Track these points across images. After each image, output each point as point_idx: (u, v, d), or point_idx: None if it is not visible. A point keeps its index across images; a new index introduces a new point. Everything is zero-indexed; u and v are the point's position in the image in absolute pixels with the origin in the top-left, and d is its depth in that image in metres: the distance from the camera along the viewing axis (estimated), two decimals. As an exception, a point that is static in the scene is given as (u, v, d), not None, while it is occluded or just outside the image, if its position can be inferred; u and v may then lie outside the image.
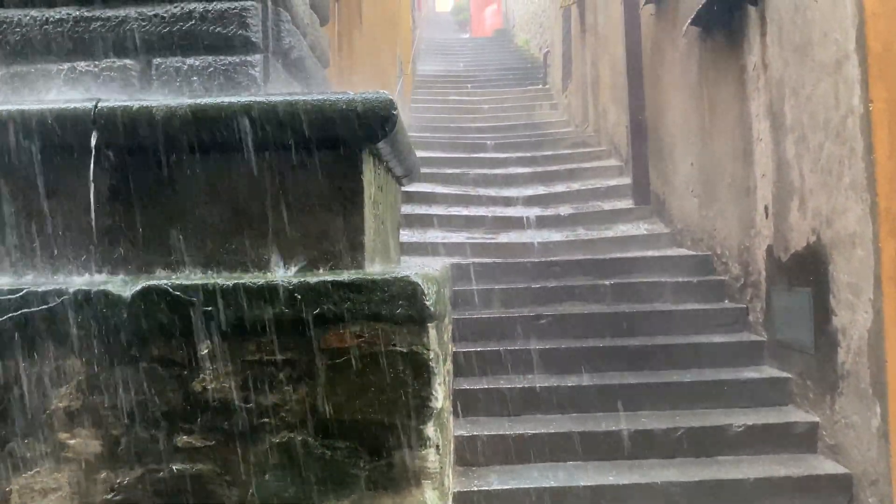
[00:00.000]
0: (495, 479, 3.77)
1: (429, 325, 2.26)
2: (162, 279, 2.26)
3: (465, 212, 7.31)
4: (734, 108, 5.15)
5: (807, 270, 4.13)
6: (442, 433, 2.48)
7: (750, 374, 4.52)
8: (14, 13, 2.83)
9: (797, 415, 4.16)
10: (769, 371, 4.55)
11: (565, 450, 3.99)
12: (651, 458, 3.97)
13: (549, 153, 9.16)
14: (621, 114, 7.90)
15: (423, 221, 6.87)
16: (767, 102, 4.60)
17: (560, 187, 8.01)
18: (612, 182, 7.87)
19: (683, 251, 6.11)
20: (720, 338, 4.86)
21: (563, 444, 4.00)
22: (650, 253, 6.12)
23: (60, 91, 2.78)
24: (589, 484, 3.70)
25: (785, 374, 4.41)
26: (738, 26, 5.03)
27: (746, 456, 3.98)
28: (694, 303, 5.26)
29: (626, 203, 7.34)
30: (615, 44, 7.98)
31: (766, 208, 4.67)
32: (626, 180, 7.60)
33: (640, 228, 6.82)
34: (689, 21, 5.56)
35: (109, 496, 2.21)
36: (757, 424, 4.06)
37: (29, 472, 2.22)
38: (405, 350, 2.24)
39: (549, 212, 7.33)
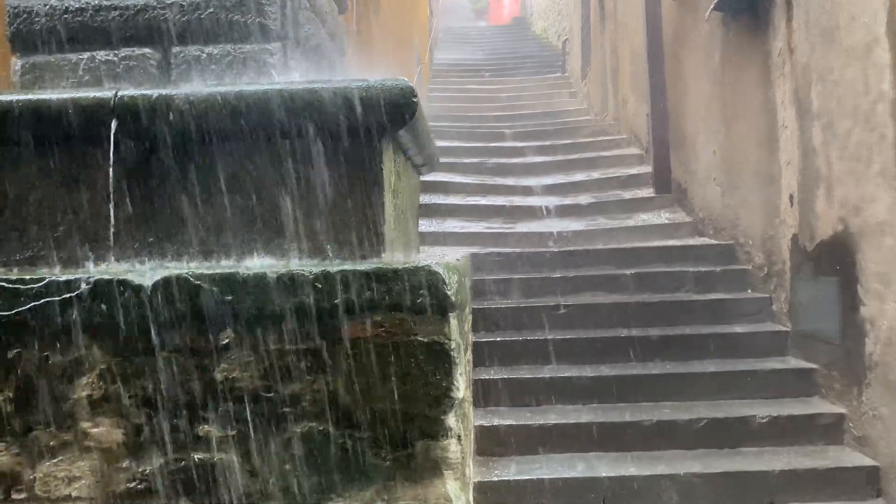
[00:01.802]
0: (516, 470, 3.75)
1: (450, 314, 2.24)
2: (183, 268, 2.26)
3: (483, 201, 7.27)
4: (758, 95, 5.06)
5: (833, 260, 4.06)
6: (463, 423, 2.47)
7: (774, 364, 4.45)
8: (35, 3, 2.83)
9: (823, 406, 4.09)
10: (794, 362, 4.48)
11: (586, 440, 3.96)
12: (673, 449, 3.93)
13: (568, 142, 9.08)
14: (641, 101, 7.81)
15: (441, 211, 6.85)
16: (793, 88, 4.51)
17: (579, 176, 7.94)
18: (633, 170, 7.79)
19: (706, 240, 6.03)
20: (743, 328, 4.79)
21: (583, 434, 3.97)
22: (672, 242, 6.05)
23: (81, 80, 2.79)
24: (610, 475, 3.67)
25: (810, 365, 4.34)
26: (762, 11, 4.93)
27: (770, 447, 3.92)
28: (716, 292, 5.19)
29: (646, 192, 7.25)
30: (635, 30, 7.87)
31: (791, 197, 4.59)
32: (647, 169, 7.51)
33: (662, 217, 6.74)
34: (711, 6, 5.46)
35: (132, 485, 2.21)
36: (781, 416, 4.00)
37: (52, 461, 2.23)
38: (426, 340, 2.22)
39: (569, 201, 7.27)
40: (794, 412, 4.03)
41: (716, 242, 5.82)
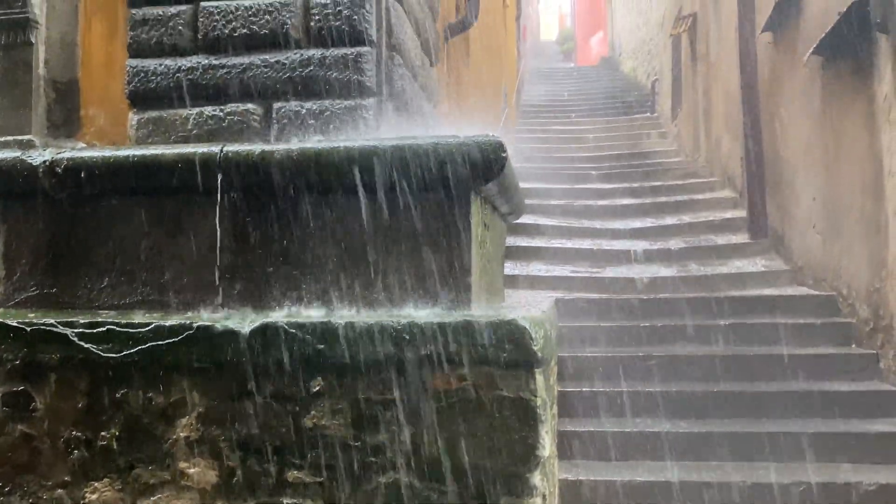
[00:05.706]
0: (600, 527, 3.65)
1: (536, 370, 2.23)
2: (278, 316, 2.34)
3: (568, 244, 7.19)
4: (862, 140, 4.84)
5: (948, 317, 3.79)
6: (548, 481, 2.43)
7: (882, 426, 4.16)
8: (151, 63, 3.05)
9: (938, 475, 3.79)
10: (904, 424, 4.18)
11: (675, 500, 3.80)
12: (769, 514, 3.72)
13: (658, 184, 8.90)
14: (735, 143, 7.60)
15: (526, 254, 6.82)
16: (901, 134, 4.29)
17: (670, 220, 7.76)
18: (727, 215, 7.55)
19: (805, 290, 5.75)
20: (847, 386, 4.51)
21: (672, 493, 3.82)
22: (768, 291, 5.80)
23: (190, 134, 2.97)
24: (701, 538, 3.51)
25: (923, 429, 4.04)
26: (866, 55, 4.74)
27: (878, 518, 3.66)
28: (817, 347, 4.93)
29: (741, 237, 7.01)
30: (729, 71, 7.71)
31: (899, 247, 4.34)
32: (742, 213, 7.27)
33: (757, 265, 6.48)
34: (811, 50, 5.30)
35: (224, 526, 2.28)
36: (891, 483, 3.72)
37: (152, 498, 2.33)
38: (512, 395, 2.21)
39: (658, 245, 7.10)
40: (906, 480, 3.75)
41: (816, 293, 5.54)
